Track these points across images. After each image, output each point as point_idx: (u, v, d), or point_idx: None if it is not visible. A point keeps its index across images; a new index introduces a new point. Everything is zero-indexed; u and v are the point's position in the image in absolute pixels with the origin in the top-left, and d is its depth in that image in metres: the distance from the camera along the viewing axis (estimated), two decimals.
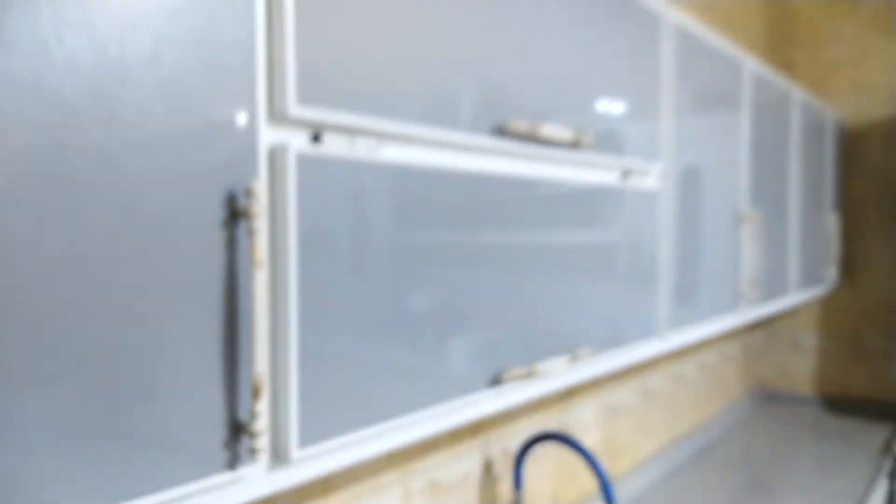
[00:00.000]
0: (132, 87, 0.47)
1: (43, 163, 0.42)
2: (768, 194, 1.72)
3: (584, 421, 1.60)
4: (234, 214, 0.54)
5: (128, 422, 0.47)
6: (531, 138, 0.83)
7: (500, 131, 0.79)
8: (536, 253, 0.87)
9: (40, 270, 0.42)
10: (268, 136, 0.57)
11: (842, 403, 2.51)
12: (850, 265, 2.49)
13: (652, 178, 1.14)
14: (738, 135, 1.52)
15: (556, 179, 0.90)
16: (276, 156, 0.57)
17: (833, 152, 2.28)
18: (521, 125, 0.80)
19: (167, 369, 0.49)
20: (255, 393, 0.54)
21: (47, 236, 0.43)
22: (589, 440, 1.62)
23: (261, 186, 0.55)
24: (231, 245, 0.54)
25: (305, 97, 0.58)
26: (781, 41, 2.59)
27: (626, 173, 1.06)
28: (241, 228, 0.54)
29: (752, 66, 1.56)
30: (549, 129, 0.84)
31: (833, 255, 2.25)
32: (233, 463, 0.54)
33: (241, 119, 0.54)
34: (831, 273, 2.24)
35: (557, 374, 0.91)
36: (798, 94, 1.89)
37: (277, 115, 0.57)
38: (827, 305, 2.56)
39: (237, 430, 0.55)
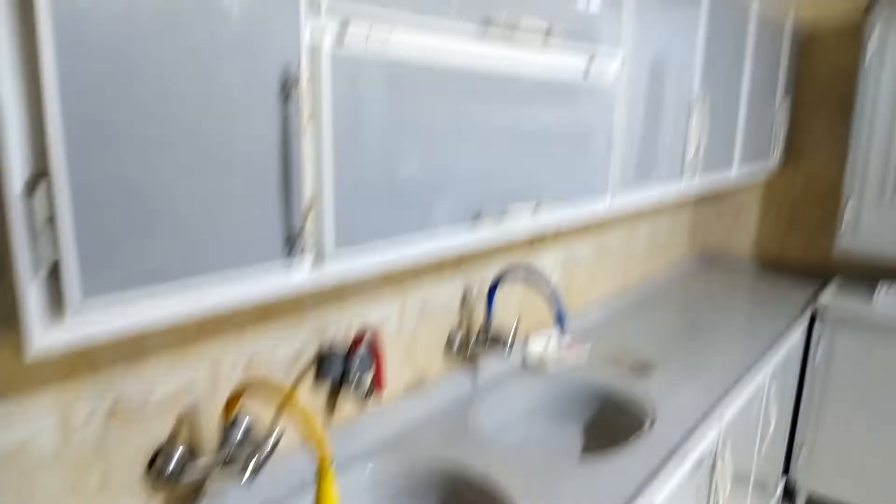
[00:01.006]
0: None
1: (166, 47, 0.65)
2: (720, 82, 1.93)
3: (546, 266, 1.91)
4: (286, 90, 0.77)
5: (230, 223, 0.73)
6: (512, 27, 1.04)
7: (486, 21, 1.00)
8: (513, 126, 1.11)
9: (166, 119, 0.66)
10: (307, 26, 0.78)
11: (777, 266, 2.87)
12: (795, 149, 2.75)
13: (614, 64, 1.35)
14: (696, 29, 1.71)
15: (532, 64, 1.12)
16: (314, 41, 0.79)
17: (788, 51, 2.45)
18: (503, 16, 1.01)
19: (247, 195, 0.75)
20: (306, 210, 0.80)
21: (173, 100, 0.66)
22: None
23: (304, 65, 0.77)
24: (285, 113, 0.77)
25: None
26: None
27: (591, 59, 1.28)
28: (291, 100, 0.77)
29: None
30: (527, 21, 1.05)
31: (778, 138, 2.49)
32: (289, 255, 0.81)
33: (288, 17, 0.75)
34: (775, 154, 2.49)
35: (524, 217, 1.18)
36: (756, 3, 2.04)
37: (315, 9, 0.78)
38: (771, 183, 2.84)
39: (290, 234, 0.81)
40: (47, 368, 0.86)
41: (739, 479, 1.95)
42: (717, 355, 1.89)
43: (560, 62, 1.19)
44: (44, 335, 0.58)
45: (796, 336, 2.27)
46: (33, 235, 0.56)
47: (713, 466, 1.58)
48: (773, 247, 2.88)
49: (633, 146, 1.50)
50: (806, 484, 2.53)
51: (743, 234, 2.95)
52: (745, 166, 2.27)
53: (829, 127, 2.66)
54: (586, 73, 1.27)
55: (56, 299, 0.58)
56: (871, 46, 2.29)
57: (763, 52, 2.22)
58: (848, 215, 2.41)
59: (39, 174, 0.56)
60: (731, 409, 1.63)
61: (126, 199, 0.62)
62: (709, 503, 1.61)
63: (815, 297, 2.47)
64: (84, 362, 0.90)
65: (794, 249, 2.83)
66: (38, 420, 0.87)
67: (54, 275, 0.58)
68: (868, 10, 2.29)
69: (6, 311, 0.60)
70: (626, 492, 1.20)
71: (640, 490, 1.22)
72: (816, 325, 2.40)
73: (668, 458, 1.32)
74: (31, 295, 0.56)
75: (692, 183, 1.84)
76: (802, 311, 2.34)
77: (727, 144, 2.08)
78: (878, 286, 2.44)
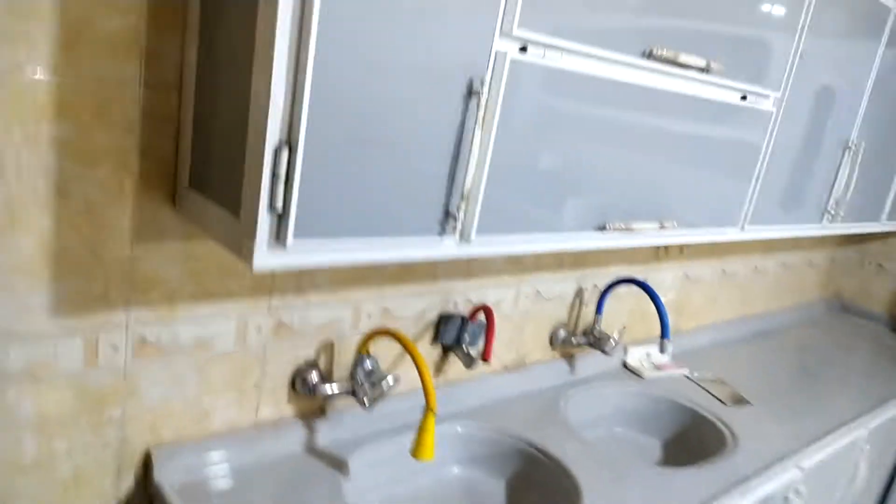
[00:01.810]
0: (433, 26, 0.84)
1: (386, 59, 0.82)
2: (882, 128, 1.87)
3: (665, 281, 1.98)
4: (470, 93, 0.92)
5: (405, 200, 0.90)
6: (671, 62, 1.13)
7: (648, 54, 1.10)
8: (655, 140, 1.20)
9: (377, 115, 0.83)
10: (496, 45, 0.92)
11: None
12: None
13: (769, 101, 1.39)
14: (868, 71, 1.68)
15: (686, 95, 1.20)
16: (497, 59, 0.93)
17: None
18: (664, 51, 1.10)
19: (423, 179, 0.91)
20: (462, 196, 0.95)
21: (385, 102, 0.83)
22: (665, 297, 2.00)
23: (487, 77, 0.92)
24: (466, 111, 0.92)
25: (523, 23, 0.93)
26: None
27: (744, 97, 1.33)
28: (473, 102, 0.92)
29: None
30: (686, 57, 1.14)
31: None
32: (441, 233, 0.97)
33: (484, 37, 0.90)
34: None
35: (647, 234, 1.27)
36: None
37: (505, 33, 0.92)
38: None
39: (447, 216, 0.97)
40: (238, 284, 1.09)
41: None
42: (817, 405, 1.88)
43: (714, 94, 1.26)
44: (265, 257, 0.78)
45: None
46: (273, 186, 0.75)
47: None
48: None
49: (774, 182, 1.53)
50: None
51: (881, 288, 2.81)
52: (894, 222, 2.18)
53: None
54: (740, 103, 1.33)
55: (278, 235, 0.78)
56: None
57: None
58: None
59: (287, 143, 0.75)
60: (813, 457, 1.64)
61: (338, 172, 0.80)
62: None
63: None
64: (264, 286, 1.12)
65: None
66: (222, 323, 1.10)
67: (281, 217, 0.77)
68: None
69: (237, 238, 0.80)
70: (689, 502, 1.29)
71: None
72: None
73: (739, 486, 1.39)
74: (263, 228, 0.76)
75: (831, 228, 1.83)
76: None
77: (879, 195, 2.02)
78: None
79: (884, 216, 2.10)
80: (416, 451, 1.16)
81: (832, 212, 1.77)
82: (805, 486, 1.66)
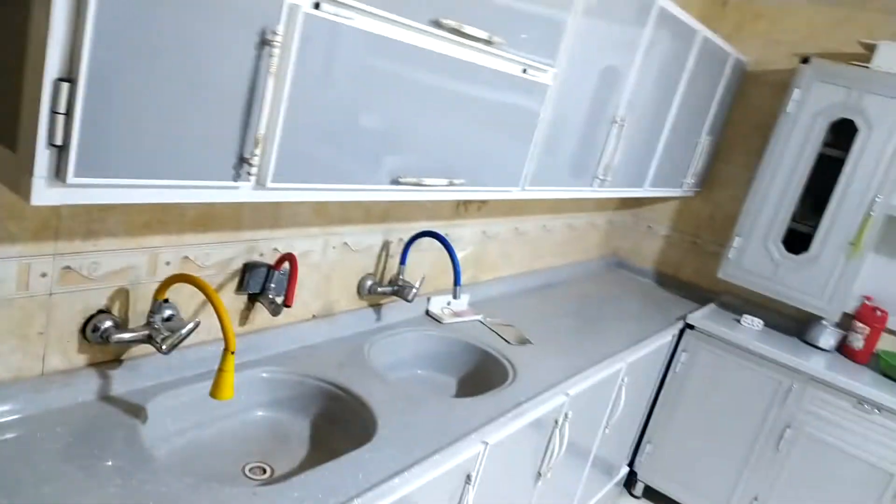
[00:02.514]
0: None
1: (177, 6, 0.84)
2: (648, 108, 2.19)
3: (464, 237, 2.16)
4: (263, 42, 0.97)
5: (198, 143, 0.93)
6: (457, 31, 1.26)
7: (436, 24, 1.21)
8: (446, 103, 1.33)
9: (167, 54, 0.86)
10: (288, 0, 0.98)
11: (671, 281, 3.22)
12: (710, 180, 3.08)
13: (547, 75, 1.59)
14: (635, 53, 1.96)
15: (473, 63, 1.34)
16: (291, 11, 0.99)
17: (725, 87, 2.75)
18: (449, 22, 1.22)
19: (216, 123, 0.95)
20: (256, 143, 1.01)
21: (175, 41, 0.85)
22: (464, 252, 2.19)
23: (281, 28, 0.97)
24: (259, 59, 0.97)
25: None
26: None
27: (525, 69, 1.50)
28: (266, 51, 0.97)
29: (663, 2, 1.96)
30: (470, 29, 1.27)
31: (695, 168, 2.80)
32: (236, 178, 1.02)
33: None
34: (689, 181, 2.81)
35: (436, 189, 1.41)
36: (702, 33, 2.31)
37: None
38: (682, 206, 3.18)
39: (241, 161, 1.01)
40: (19, 227, 1.05)
41: (580, 452, 2.28)
42: (588, 344, 2.19)
43: (498, 65, 1.41)
44: (44, 193, 0.78)
45: (661, 342, 2.60)
46: (52, 122, 0.75)
47: (554, 429, 1.88)
48: (672, 264, 3.23)
49: (551, 148, 1.74)
50: (645, 477, 2.91)
51: (650, 247, 3.28)
52: (656, 189, 2.56)
53: (744, 165, 2.99)
54: (521, 74, 1.50)
55: (58, 171, 0.78)
56: (794, 97, 2.58)
57: (698, 86, 2.50)
58: (734, 250, 2.75)
59: (67, 79, 0.75)
60: (579, 386, 1.93)
61: (124, 113, 0.81)
62: (544, 457, 1.91)
63: (685, 315, 2.81)
64: (49, 229, 1.09)
65: (687, 270, 3.18)
66: (3, 268, 1.05)
67: (61, 153, 0.77)
68: (805, 60, 2.56)
69: (15, 174, 0.79)
70: (471, 427, 1.48)
71: (484, 427, 1.49)
72: (683, 338, 2.75)
73: (514, 409, 1.60)
74: (42, 163, 0.76)
75: (601, 191, 2.11)
76: (674, 322, 2.68)
77: (642, 165, 2.37)
78: (743, 317, 2.80)
79: (647, 183, 2.46)
80: (214, 391, 1.20)
81: (601, 177, 2.05)
82: (572, 411, 1.95)
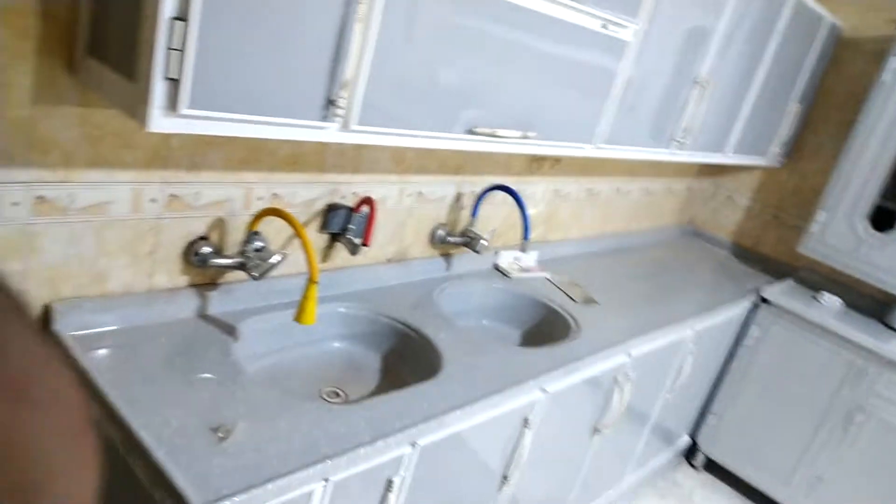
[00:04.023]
0: None
1: None
2: (734, 68, 2.14)
3: (536, 193, 2.20)
4: None
5: (290, 84, 1.02)
6: None
7: None
8: (524, 57, 1.37)
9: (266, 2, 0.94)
10: None
11: (748, 254, 3.15)
12: (798, 150, 2.96)
13: (627, 31, 1.59)
14: (721, 13, 1.91)
15: (552, 16, 1.37)
16: None
17: (818, 53, 2.62)
18: None
19: (306, 65, 1.03)
20: (343, 87, 1.08)
21: None
22: (534, 209, 2.23)
23: None
24: (348, 4, 1.04)
25: None
26: None
27: (605, 25, 1.51)
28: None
29: None
30: None
31: (782, 137, 2.71)
32: (324, 118, 1.10)
33: None
34: (774, 151, 2.72)
35: (509, 141, 1.45)
36: None
37: None
38: (766, 177, 3.08)
39: (329, 103, 1.10)
40: (132, 155, 1.18)
41: (639, 415, 2.31)
42: (656, 308, 2.20)
43: (577, 19, 1.43)
44: (160, 121, 0.88)
45: (732, 314, 2.57)
46: (168, 56, 0.86)
47: (613, 387, 1.92)
48: (751, 235, 3.15)
49: (628, 107, 1.75)
50: (707, 449, 2.90)
51: (730, 217, 3.21)
52: (739, 156, 2.50)
53: (835, 136, 2.86)
54: (601, 30, 1.51)
55: (171, 102, 0.88)
56: (891, 66, 2.44)
57: (789, 51, 2.40)
58: (817, 224, 2.66)
59: (181, 17, 0.85)
60: (642, 348, 1.96)
61: (229, 52, 0.91)
62: (602, 414, 1.96)
63: (759, 288, 2.75)
64: (159, 159, 1.21)
65: (767, 244, 3.10)
66: (118, 190, 1.19)
67: (175, 86, 0.88)
68: None
69: (134, 103, 0.90)
70: (531, 373, 1.54)
71: (544, 375, 1.55)
72: (757, 311, 2.70)
73: (574, 362, 1.66)
74: (158, 94, 0.87)
75: (679, 155, 2.10)
76: (747, 294, 2.63)
77: (724, 130, 2.32)
78: (821, 294, 2.72)
79: (728, 149, 2.40)
80: (298, 316, 1.32)
81: (680, 140, 2.03)
82: (634, 372, 1.98)
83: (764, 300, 2.68)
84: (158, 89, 0.88)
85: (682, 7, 1.73)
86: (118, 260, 1.24)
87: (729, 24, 1.96)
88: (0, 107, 0.99)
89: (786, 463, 2.67)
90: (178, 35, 0.86)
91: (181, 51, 0.87)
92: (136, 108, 0.90)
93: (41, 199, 1.09)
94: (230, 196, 1.36)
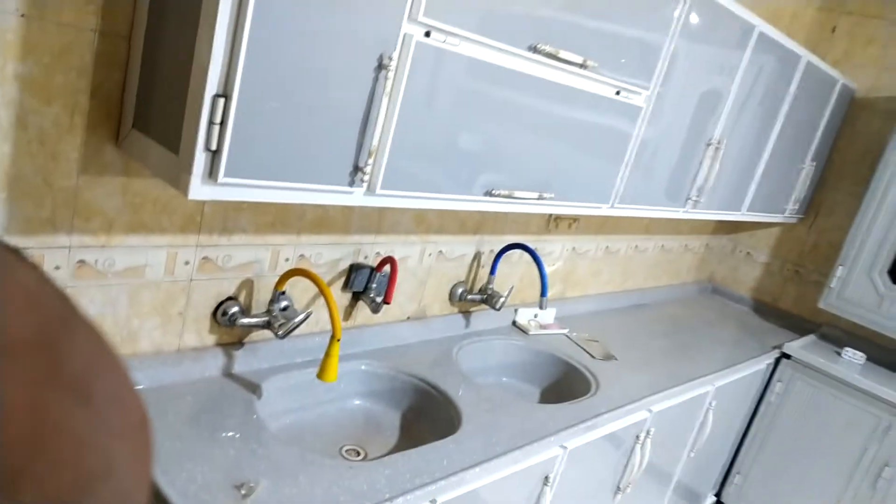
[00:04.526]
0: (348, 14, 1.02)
1: (307, 35, 0.99)
2: (747, 129, 2.19)
3: (554, 252, 2.24)
4: (380, 66, 1.11)
5: (322, 153, 1.08)
6: (553, 56, 1.36)
7: (533, 49, 1.32)
8: (540, 123, 1.43)
9: (302, 79, 1.01)
10: (404, 28, 1.12)
11: (768, 310, 3.13)
12: (815, 207, 2.98)
13: (640, 97, 1.65)
14: (734, 76, 1.98)
15: (567, 86, 1.43)
16: (405, 39, 1.13)
17: (830, 113, 2.67)
18: (546, 47, 1.33)
19: (337, 136, 1.09)
20: (370, 154, 1.15)
21: (308, 68, 1.01)
22: (553, 267, 2.26)
23: (395, 54, 1.11)
24: (376, 81, 1.11)
25: (428, 12, 1.12)
26: (834, 5, 2.88)
27: (619, 91, 1.58)
28: (382, 74, 1.11)
29: (763, 28, 1.97)
30: (565, 53, 1.37)
31: (798, 194, 2.74)
32: (351, 184, 1.16)
33: (395, 19, 1.09)
34: (790, 208, 2.74)
35: (527, 202, 1.50)
36: (806, 58, 2.28)
37: (412, 18, 1.12)
38: (784, 233, 3.09)
39: (356, 169, 1.16)
40: (169, 221, 1.24)
41: (662, 474, 2.27)
42: (676, 365, 2.20)
43: (591, 87, 1.50)
44: (200, 189, 0.94)
45: (754, 370, 2.55)
46: (209, 129, 0.92)
47: (635, 444, 1.91)
48: (771, 292, 3.14)
49: (643, 167, 1.80)
50: None
51: (749, 274, 3.21)
52: (755, 213, 2.53)
53: (851, 193, 2.88)
54: (614, 97, 1.57)
55: (211, 171, 0.95)
56: None
57: (802, 111, 2.46)
58: (836, 279, 2.66)
59: (223, 95, 0.92)
60: (663, 404, 1.95)
61: (264, 125, 0.97)
62: (624, 472, 1.94)
63: (781, 344, 2.73)
64: (193, 224, 1.28)
65: (787, 300, 3.09)
66: (154, 254, 1.25)
67: (215, 156, 0.94)
68: None
69: (176, 173, 0.97)
70: (551, 430, 1.54)
71: (564, 432, 1.56)
72: (780, 367, 2.68)
73: (594, 418, 1.66)
74: (199, 164, 0.93)
75: (693, 213, 2.13)
76: (769, 350, 2.62)
77: (739, 188, 2.35)
78: (844, 349, 2.69)
79: (744, 207, 2.44)
80: (321, 373, 1.35)
81: (695, 198, 2.07)
82: (655, 428, 1.96)
83: (786, 356, 2.66)
84: (199, 160, 0.94)
85: (693, 72, 1.79)
86: (150, 321, 1.29)
87: (741, 87, 2.02)
88: (48, 177, 1.06)
89: None
90: (220, 111, 0.92)
91: (222, 125, 0.93)
92: (179, 177, 0.96)
93: (82, 262, 1.15)
94: (259, 258, 1.41)
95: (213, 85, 0.91)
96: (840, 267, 2.64)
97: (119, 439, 0.24)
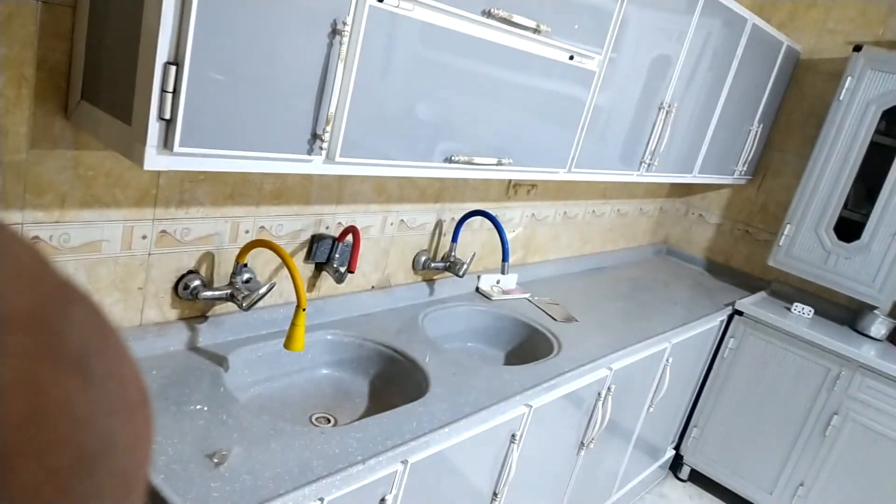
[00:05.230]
0: None
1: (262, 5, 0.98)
2: (697, 93, 2.25)
3: (514, 218, 2.27)
4: (334, 32, 1.10)
5: (278, 121, 1.07)
6: (506, 21, 1.37)
7: (487, 14, 1.32)
8: (496, 88, 1.44)
9: (254, 44, 1.00)
10: None
11: (721, 269, 3.24)
12: (762, 168, 3.08)
13: (593, 62, 1.68)
14: (683, 42, 2.02)
15: (521, 50, 1.45)
16: (358, 4, 1.12)
17: (776, 76, 2.75)
18: (500, 12, 1.33)
19: (293, 103, 1.09)
20: (328, 121, 1.15)
21: (262, 33, 1.00)
22: (513, 233, 2.30)
23: (349, 19, 1.10)
24: (331, 46, 1.11)
25: None
26: None
27: (572, 56, 1.60)
28: (336, 39, 1.11)
29: None
30: (519, 18, 1.38)
31: (746, 156, 2.82)
32: (310, 152, 1.16)
33: None
34: (740, 169, 2.83)
35: (486, 168, 1.52)
36: (752, 21, 2.34)
37: None
38: (734, 195, 3.19)
39: (314, 137, 1.16)
40: (124, 194, 1.22)
41: (623, 430, 2.36)
42: (633, 324, 2.27)
43: (545, 52, 1.52)
44: (155, 159, 0.93)
45: (708, 326, 2.65)
46: (162, 98, 0.91)
47: (596, 401, 1.97)
48: (723, 251, 3.25)
49: (597, 132, 1.83)
50: (691, 460, 2.95)
51: (701, 235, 3.31)
52: (706, 176, 2.60)
53: (797, 153, 2.99)
54: (568, 61, 1.60)
55: (165, 141, 0.94)
56: (846, 85, 2.58)
57: (749, 74, 2.53)
58: (784, 237, 2.76)
59: (174, 62, 0.90)
60: (622, 362, 2.01)
61: (219, 92, 0.96)
62: (587, 429, 2.00)
63: (734, 301, 2.84)
64: (149, 197, 1.26)
65: (738, 258, 3.20)
66: (110, 229, 1.23)
67: (169, 126, 0.93)
68: (857, 48, 2.56)
69: (129, 143, 0.95)
70: (516, 390, 1.59)
71: (529, 391, 1.60)
72: (732, 324, 2.78)
73: (557, 377, 1.71)
74: (153, 134, 0.92)
75: (647, 176, 2.18)
76: (722, 308, 2.72)
77: (691, 151, 2.42)
78: (793, 305, 2.81)
79: (696, 169, 2.50)
80: (288, 343, 1.35)
81: (648, 162, 2.12)
82: (615, 385, 2.03)
83: (738, 312, 2.76)
84: (153, 129, 0.93)
85: (644, 37, 1.83)
86: (110, 296, 1.28)
87: (690, 52, 2.07)
88: None
89: (769, 470, 2.73)
90: (172, 78, 0.91)
91: (174, 93, 0.92)
92: (133, 147, 0.95)
93: (36, 238, 1.13)
94: (218, 230, 1.40)
95: (163, 52, 0.90)
96: (788, 225, 2.75)
97: (119, 418, 0.23)
